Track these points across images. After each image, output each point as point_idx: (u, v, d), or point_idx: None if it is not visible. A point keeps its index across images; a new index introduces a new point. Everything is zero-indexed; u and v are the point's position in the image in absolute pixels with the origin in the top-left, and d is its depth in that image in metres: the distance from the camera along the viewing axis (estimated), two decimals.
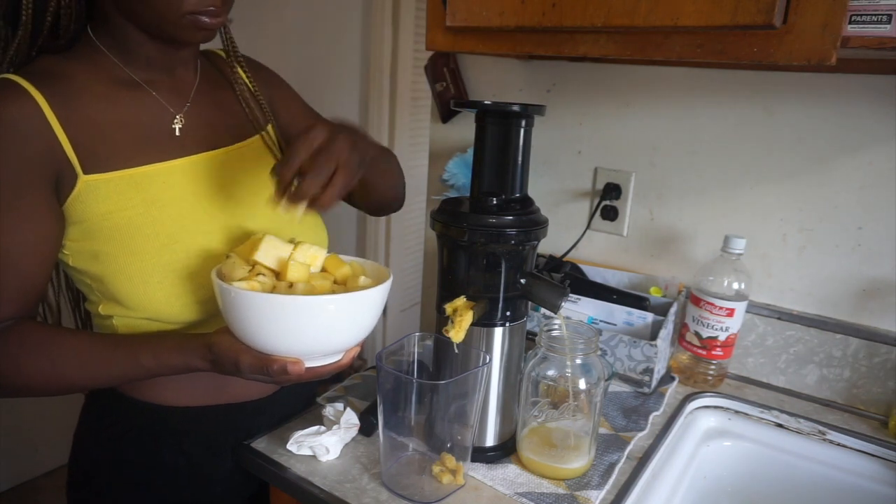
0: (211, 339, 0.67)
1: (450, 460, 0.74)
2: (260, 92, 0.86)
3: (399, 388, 0.71)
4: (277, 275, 0.67)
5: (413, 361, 0.77)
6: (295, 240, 0.70)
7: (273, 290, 0.66)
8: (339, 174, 0.62)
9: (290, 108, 0.92)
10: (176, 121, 0.76)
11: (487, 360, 0.74)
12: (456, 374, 0.75)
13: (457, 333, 0.72)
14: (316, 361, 0.67)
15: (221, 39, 0.83)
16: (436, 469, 0.73)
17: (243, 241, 0.75)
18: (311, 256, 0.69)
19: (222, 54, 0.87)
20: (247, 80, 0.86)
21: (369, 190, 0.88)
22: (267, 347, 0.64)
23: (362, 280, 0.69)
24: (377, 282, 0.68)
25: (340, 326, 0.65)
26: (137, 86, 0.74)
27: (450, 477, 0.73)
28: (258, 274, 0.66)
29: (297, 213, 0.61)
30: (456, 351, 0.74)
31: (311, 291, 0.66)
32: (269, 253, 0.67)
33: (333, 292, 0.67)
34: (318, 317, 0.62)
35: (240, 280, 0.64)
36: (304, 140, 0.62)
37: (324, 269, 0.71)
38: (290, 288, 0.66)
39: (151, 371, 0.69)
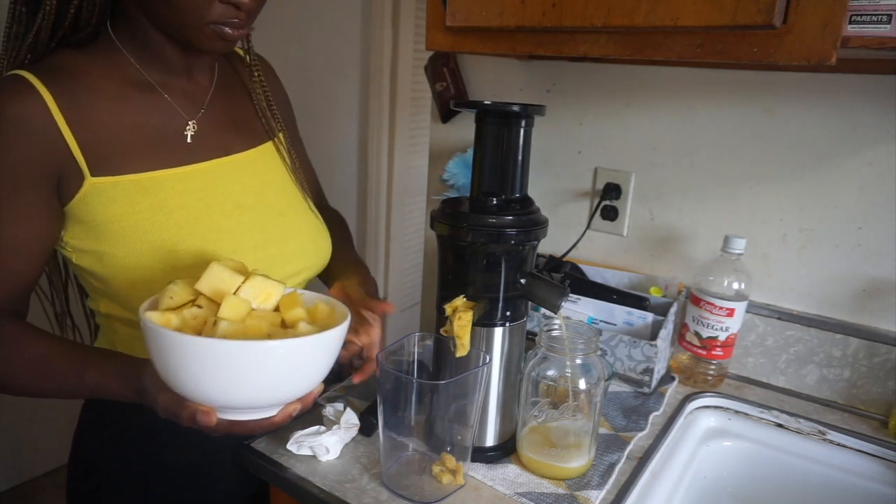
0: (145, 369, 0.62)
1: (450, 460, 0.74)
2: (274, 99, 0.86)
3: (399, 388, 0.71)
4: None
5: (413, 361, 0.77)
6: (256, 272, 0.63)
7: (203, 325, 0.59)
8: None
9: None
10: (188, 127, 0.75)
11: (487, 361, 0.74)
12: (456, 374, 0.75)
13: (459, 350, 0.72)
14: (238, 414, 0.60)
15: (241, 42, 0.83)
16: (436, 469, 0.73)
17: (252, 250, 0.75)
18: (263, 293, 0.62)
19: (240, 52, 0.86)
20: (264, 87, 0.85)
21: None
22: (178, 389, 0.58)
23: (302, 327, 0.62)
24: (320, 330, 0.61)
25: (260, 378, 0.57)
26: (151, 88, 0.73)
27: (450, 477, 0.72)
28: (195, 305, 0.60)
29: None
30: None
31: (241, 333, 0.58)
32: (210, 283, 0.60)
33: (270, 336, 0.60)
34: (225, 364, 0.55)
35: (165, 309, 0.59)
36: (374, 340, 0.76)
37: (277, 308, 0.64)
38: (213, 326, 0.58)
39: (95, 392, 0.67)
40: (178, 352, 0.55)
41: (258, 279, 0.62)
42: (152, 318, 0.57)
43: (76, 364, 0.67)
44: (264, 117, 0.84)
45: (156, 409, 0.62)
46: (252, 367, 0.56)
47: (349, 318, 0.63)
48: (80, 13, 0.68)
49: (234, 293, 0.61)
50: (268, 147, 0.83)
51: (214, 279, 0.60)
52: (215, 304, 0.60)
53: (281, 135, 0.86)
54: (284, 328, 0.63)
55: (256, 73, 0.84)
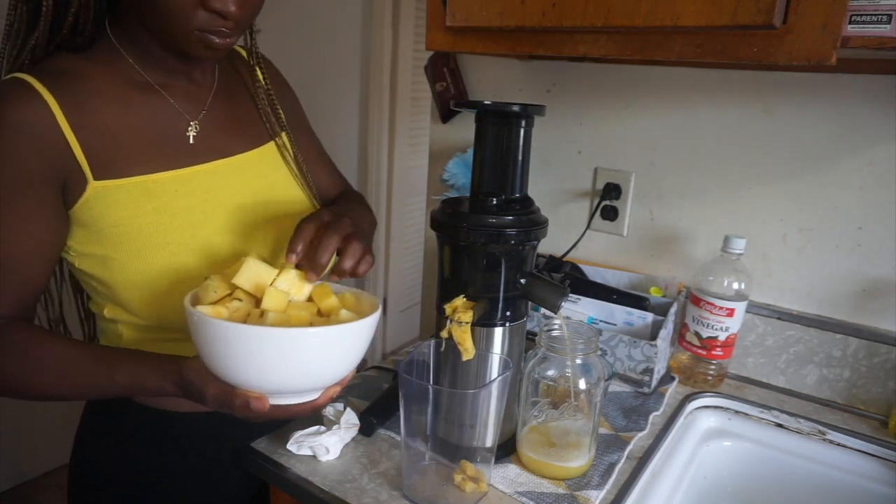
0: (185, 363, 0.64)
1: (469, 468, 0.72)
2: (277, 99, 0.85)
3: (423, 398, 0.70)
4: (259, 302, 0.63)
5: (428, 369, 0.76)
6: (286, 265, 0.66)
7: (246, 317, 0.62)
8: (354, 242, 0.66)
9: (298, 135, 0.90)
10: (191, 128, 0.75)
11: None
12: (457, 377, 0.74)
13: (464, 355, 0.72)
14: (285, 399, 0.63)
15: (245, 41, 0.83)
16: (457, 478, 0.71)
17: (255, 250, 0.74)
18: (297, 285, 0.65)
19: (242, 52, 0.86)
20: (267, 88, 0.84)
21: None
22: (230, 379, 0.60)
23: (343, 314, 0.64)
24: (361, 316, 0.63)
25: (310, 362, 0.60)
26: (153, 90, 0.73)
27: (472, 485, 0.71)
28: (235, 299, 0.62)
29: (310, 284, 0.66)
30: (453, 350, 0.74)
31: (286, 322, 0.61)
32: (248, 277, 0.63)
33: (312, 325, 0.63)
34: (282, 350, 0.58)
35: (210, 304, 0.60)
36: (313, 218, 0.67)
37: (310, 299, 0.67)
38: (261, 317, 0.61)
39: (127, 390, 0.67)
40: (238, 342, 0.57)
41: (291, 272, 0.65)
42: (205, 311, 0.59)
43: (103, 364, 0.67)
44: (267, 120, 0.83)
45: (203, 401, 0.63)
46: (307, 353, 0.59)
47: (380, 306, 0.66)
48: (79, 18, 0.68)
49: (271, 285, 0.63)
50: (270, 147, 0.83)
51: (251, 273, 0.63)
52: (252, 297, 0.64)
53: (284, 135, 0.85)
54: (321, 317, 0.66)
55: (260, 75, 0.84)
